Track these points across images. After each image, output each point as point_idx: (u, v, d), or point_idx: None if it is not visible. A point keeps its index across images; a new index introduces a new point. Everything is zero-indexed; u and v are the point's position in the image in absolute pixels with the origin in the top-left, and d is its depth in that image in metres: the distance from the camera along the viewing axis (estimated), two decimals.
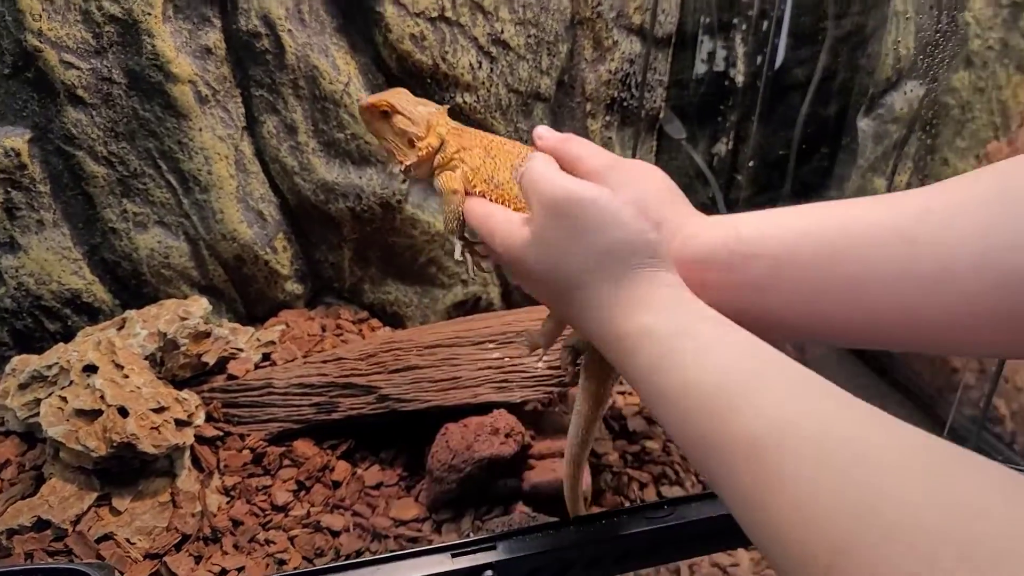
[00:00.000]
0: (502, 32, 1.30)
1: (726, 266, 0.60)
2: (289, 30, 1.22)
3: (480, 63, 1.31)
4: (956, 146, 1.74)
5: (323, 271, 1.46)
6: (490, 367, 1.20)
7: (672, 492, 1.24)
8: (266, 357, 1.33)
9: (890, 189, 1.72)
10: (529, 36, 1.33)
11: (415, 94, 0.77)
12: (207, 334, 1.24)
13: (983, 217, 0.50)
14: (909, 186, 1.67)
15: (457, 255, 0.74)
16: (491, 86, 1.33)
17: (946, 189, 0.54)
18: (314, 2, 1.23)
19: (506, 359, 1.21)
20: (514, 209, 0.69)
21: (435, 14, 1.25)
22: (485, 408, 1.17)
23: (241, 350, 1.29)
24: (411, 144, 0.74)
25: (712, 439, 0.45)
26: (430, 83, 1.30)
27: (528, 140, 1.26)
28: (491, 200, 0.71)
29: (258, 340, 1.33)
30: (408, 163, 0.75)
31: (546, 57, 1.35)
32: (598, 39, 1.38)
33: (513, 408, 1.17)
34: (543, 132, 0.71)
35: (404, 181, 0.83)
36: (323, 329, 1.45)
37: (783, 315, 0.59)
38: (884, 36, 1.55)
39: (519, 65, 1.34)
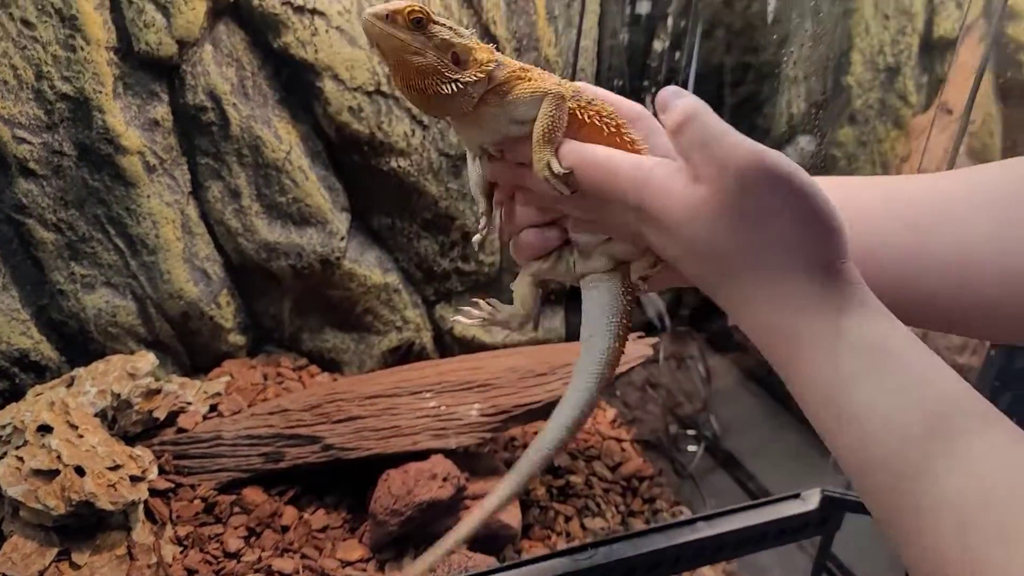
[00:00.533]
0: None
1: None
2: (234, 103, 1.31)
3: (413, 131, 1.41)
4: None
5: (264, 322, 1.54)
6: (427, 415, 1.30)
7: (594, 524, 1.36)
8: (213, 408, 1.40)
9: None
10: None
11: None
12: (158, 391, 1.31)
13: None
14: None
15: (560, 187, 0.57)
16: (423, 151, 1.43)
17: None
18: (257, 78, 1.32)
19: (442, 407, 1.31)
20: (607, 133, 0.59)
21: (371, 88, 1.35)
22: (424, 454, 1.27)
23: (190, 403, 1.36)
24: (456, 62, 0.57)
25: (902, 493, 0.42)
26: (367, 150, 1.39)
27: (456, 198, 1.39)
28: (607, 136, 0.59)
29: (205, 392, 1.40)
30: (466, 80, 0.56)
31: None
32: None
33: (449, 453, 1.28)
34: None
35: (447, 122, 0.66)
36: (265, 377, 1.52)
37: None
38: (778, 98, 1.72)
39: (449, 131, 1.45)
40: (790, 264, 0.48)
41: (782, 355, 0.49)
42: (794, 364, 0.48)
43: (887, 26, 1.78)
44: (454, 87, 0.56)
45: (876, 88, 1.84)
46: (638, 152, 0.59)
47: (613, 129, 0.59)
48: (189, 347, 1.48)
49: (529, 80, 0.58)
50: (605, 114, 0.59)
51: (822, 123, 1.79)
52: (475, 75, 0.56)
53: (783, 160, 0.48)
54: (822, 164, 1.85)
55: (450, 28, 0.57)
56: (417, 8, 0.55)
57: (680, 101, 0.52)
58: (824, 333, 0.47)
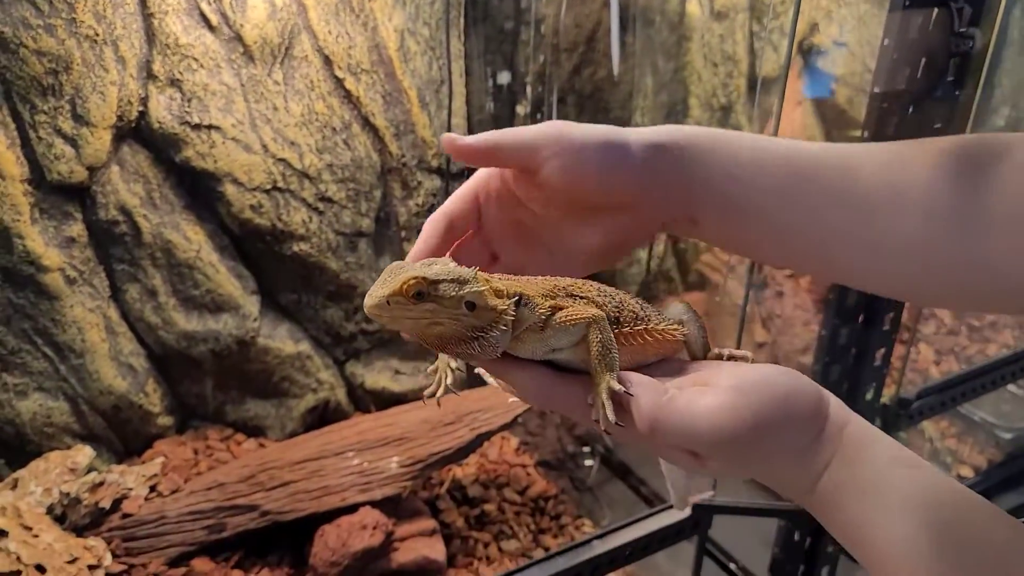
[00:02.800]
0: (326, 191, 1.57)
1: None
2: (144, 214, 1.44)
3: (311, 217, 1.57)
4: None
5: (189, 401, 1.67)
6: (353, 472, 1.47)
7: (510, 546, 1.56)
8: (153, 489, 1.52)
9: (650, 256, 2.13)
10: (349, 190, 1.60)
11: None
12: (102, 483, 1.43)
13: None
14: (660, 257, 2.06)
15: (610, 417, 0.53)
16: (321, 234, 1.59)
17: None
18: (163, 189, 1.45)
19: (365, 463, 1.48)
20: (653, 340, 0.60)
21: (269, 186, 1.50)
22: (353, 508, 1.44)
23: (131, 488, 1.48)
24: (474, 309, 0.53)
25: None
26: (270, 239, 1.55)
27: (355, 269, 1.56)
28: (639, 341, 0.59)
29: (143, 476, 1.52)
30: (491, 334, 0.54)
31: (364, 203, 1.64)
32: (405, 182, 1.68)
33: (376, 503, 1.45)
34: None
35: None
36: (196, 452, 1.65)
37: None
38: None
39: (343, 213, 1.61)
40: (784, 466, 0.54)
41: (825, 522, 0.55)
42: (833, 529, 0.54)
43: (716, 72, 2.04)
44: (480, 345, 0.53)
45: (714, 125, 2.09)
46: (674, 339, 0.62)
47: (653, 339, 0.60)
48: (121, 434, 1.59)
49: (564, 308, 0.55)
50: (640, 319, 0.60)
51: None
52: (500, 326, 0.53)
53: (743, 413, 0.50)
54: None
55: (452, 280, 0.52)
56: (412, 280, 0.51)
57: (640, 415, 0.52)
58: (827, 499, 0.53)
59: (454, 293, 0.52)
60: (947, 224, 0.56)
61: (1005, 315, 2.11)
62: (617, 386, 0.52)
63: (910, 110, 1.12)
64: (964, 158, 0.57)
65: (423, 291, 0.52)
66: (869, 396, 1.29)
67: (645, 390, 0.52)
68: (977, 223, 0.55)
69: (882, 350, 1.26)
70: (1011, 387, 1.91)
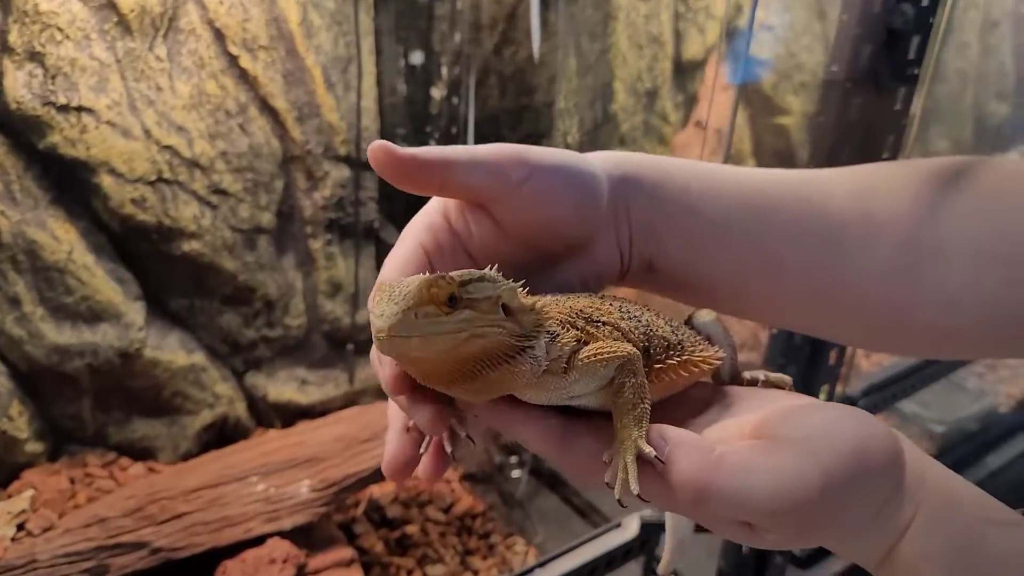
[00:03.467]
0: (220, 182, 1.39)
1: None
2: (1, 211, 1.23)
3: (203, 212, 1.39)
4: None
5: (63, 423, 1.46)
6: (257, 500, 1.30)
7: (436, 571, 1.42)
8: (21, 527, 1.32)
9: None
10: (246, 181, 1.43)
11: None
12: None
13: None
14: None
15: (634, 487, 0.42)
16: (215, 231, 1.41)
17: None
18: (24, 180, 1.25)
19: (271, 489, 1.32)
20: (689, 375, 0.50)
21: (153, 177, 1.31)
22: (260, 539, 1.27)
23: None
24: (508, 313, 0.42)
25: None
26: (156, 237, 1.36)
27: (255, 269, 1.39)
28: (671, 377, 0.49)
29: (9, 513, 1.31)
30: (533, 343, 0.43)
31: (264, 195, 1.46)
32: (310, 172, 1.51)
33: (286, 533, 1.28)
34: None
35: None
36: (72, 481, 1.45)
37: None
38: (554, 131, 1.83)
39: (239, 207, 1.43)
40: (856, 531, 0.44)
41: None
42: None
43: (642, 55, 1.94)
44: (528, 362, 0.42)
45: (639, 111, 2.00)
46: (712, 368, 0.52)
47: (689, 373, 0.49)
48: None
49: (594, 341, 0.45)
50: (672, 346, 0.49)
51: (596, 148, 1.92)
52: (545, 332, 0.43)
53: (810, 477, 0.41)
54: None
55: (479, 279, 0.41)
56: (440, 281, 0.40)
57: (682, 482, 0.41)
58: (910, 570, 0.44)
59: (490, 293, 0.41)
60: (914, 256, 0.54)
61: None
62: (647, 449, 0.41)
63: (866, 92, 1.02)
64: (932, 184, 0.55)
65: (455, 295, 0.40)
66: (822, 396, 1.21)
67: (687, 451, 0.41)
68: (937, 255, 0.54)
69: (835, 349, 1.18)
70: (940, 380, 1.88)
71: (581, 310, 0.46)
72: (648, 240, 0.55)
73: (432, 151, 0.49)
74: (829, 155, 0.99)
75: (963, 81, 2.56)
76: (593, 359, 0.44)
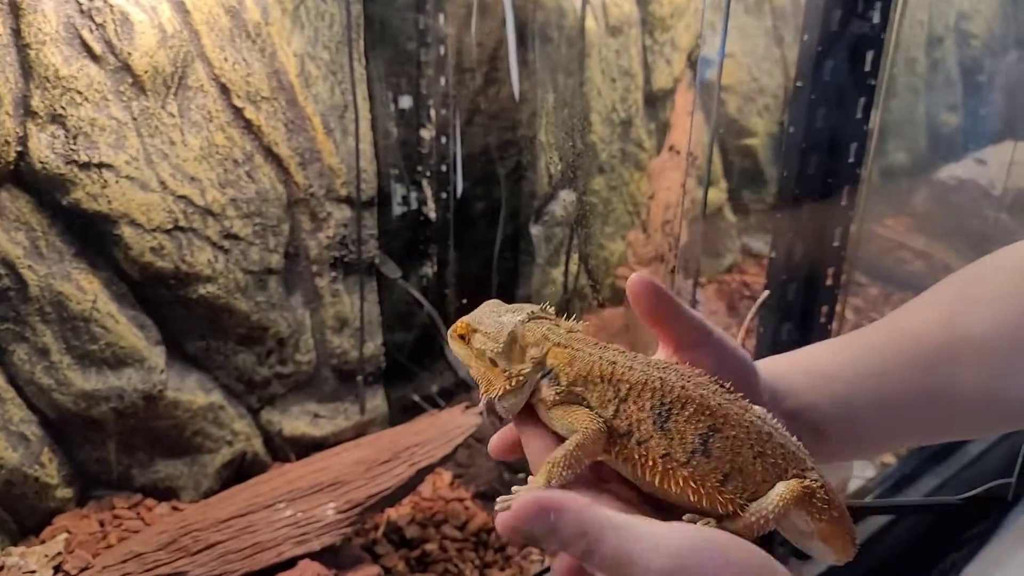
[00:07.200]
0: (231, 227, 1.47)
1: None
2: (29, 265, 1.30)
3: (216, 257, 1.47)
4: (606, 233, 2.18)
5: (89, 468, 1.51)
6: (286, 525, 1.36)
7: None
8: (58, 569, 1.37)
9: (566, 275, 2.11)
10: (255, 225, 1.51)
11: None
12: (1, 567, 1.27)
13: None
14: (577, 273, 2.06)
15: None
16: (228, 273, 1.49)
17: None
18: (49, 236, 1.32)
19: (299, 514, 1.38)
20: (664, 470, 0.52)
21: (170, 226, 1.39)
22: (291, 562, 1.33)
23: (34, 572, 1.32)
24: (494, 367, 0.56)
25: None
26: (173, 283, 1.43)
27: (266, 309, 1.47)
28: (646, 467, 0.53)
29: (46, 556, 1.36)
30: (491, 394, 0.56)
31: (272, 237, 1.54)
32: (314, 213, 1.60)
33: (316, 555, 1.35)
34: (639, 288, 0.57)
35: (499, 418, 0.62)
36: (102, 524, 1.50)
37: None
38: (537, 163, 1.93)
39: (250, 250, 1.51)
40: None
41: None
42: None
43: (615, 87, 2.06)
44: (484, 401, 0.56)
45: (615, 140, 2.11)
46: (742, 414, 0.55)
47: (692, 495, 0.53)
48: (14, 512, 1.43)
49: (568, 407, 0.54)
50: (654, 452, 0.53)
51: (577, 177, 2.03)
52: (501, 386, 0.55)
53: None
54: (583, 213, 2.09)
55: (487, 333, 0.56)
56: (463, 325, 0.58)
57: (562, 536, 0.45)
58: None
59: (480, 346, 0.57)
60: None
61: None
62: (539, 495, 0.46)
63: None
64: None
65: (465, 335, 0.58)
66: None
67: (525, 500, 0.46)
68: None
69: (825, 307, 1.26)
70: None
71: (620, 375, 0.54)
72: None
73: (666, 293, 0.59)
74: (801, 161, 1.10)
75: (914, 95, 2.71)
76: (560, 416, 0.54)
